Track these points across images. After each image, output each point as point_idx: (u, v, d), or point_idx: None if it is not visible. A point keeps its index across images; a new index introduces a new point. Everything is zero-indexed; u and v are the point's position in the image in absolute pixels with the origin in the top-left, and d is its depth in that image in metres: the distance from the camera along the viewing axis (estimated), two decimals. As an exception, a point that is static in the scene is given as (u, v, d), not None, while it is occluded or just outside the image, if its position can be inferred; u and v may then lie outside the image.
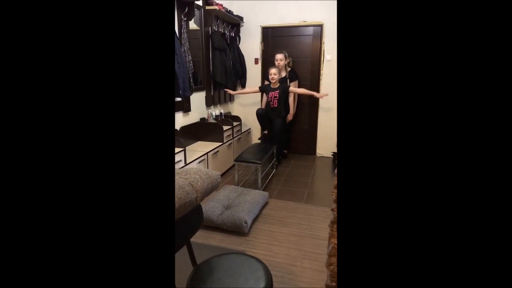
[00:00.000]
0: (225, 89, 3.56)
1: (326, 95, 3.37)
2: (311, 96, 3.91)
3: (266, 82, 3.54)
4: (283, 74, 3.54)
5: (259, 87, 3.53)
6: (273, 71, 3.33)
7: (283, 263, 1.78)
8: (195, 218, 1.06)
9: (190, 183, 0.98)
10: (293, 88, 3.43)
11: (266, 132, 3.52)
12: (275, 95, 3.35)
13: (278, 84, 3.36)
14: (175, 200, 0.87)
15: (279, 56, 3.46)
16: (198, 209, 1.08)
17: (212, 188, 1.08)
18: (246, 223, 2.07)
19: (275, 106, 3.38)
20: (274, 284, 1.07)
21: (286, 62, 3.54)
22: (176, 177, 1.00)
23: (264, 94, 3.57)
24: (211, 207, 2.21)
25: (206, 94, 3.41)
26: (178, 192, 0.89)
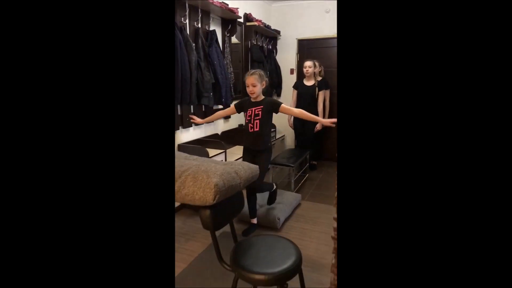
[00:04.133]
0: (190, 116, 2.43)
1: (334, 121, 2.01)
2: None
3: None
4: (311, 82, 3.53)
5: (235, 105, 2.20)
6: (308, 63, 3.33)
7: (313, 256, 1.93)
8: (238, 201, 1.28)
9: (235, 171, 1.20)
10: (287, 107, 2.06)
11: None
12: (256, 112, 2.05)
13: (263, 98, 2.07)
14: (224, 182, 1.09)
15: (308, 63, 3.44)
16: (240, 194, 1.30)
17: (252, 178, 1.29)
18: (279, 219, 2.25)
19: (256, 130, 2.06)
20: (304, 273, 1.22)
21: (317, 71, 3.49)
22: (224, 166, 1.23)
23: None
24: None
25: (244, 102, 3.68)
26: (226, 177, 1.11)
